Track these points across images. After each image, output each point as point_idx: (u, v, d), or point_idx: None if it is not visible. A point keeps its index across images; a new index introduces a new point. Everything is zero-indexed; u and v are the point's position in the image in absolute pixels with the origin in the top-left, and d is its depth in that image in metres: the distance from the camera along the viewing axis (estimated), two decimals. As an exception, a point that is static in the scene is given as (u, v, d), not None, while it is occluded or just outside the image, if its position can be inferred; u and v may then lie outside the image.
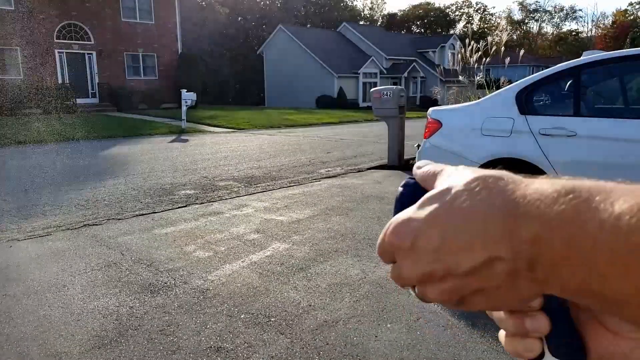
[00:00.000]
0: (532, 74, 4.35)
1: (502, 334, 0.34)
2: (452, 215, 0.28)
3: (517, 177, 0.29)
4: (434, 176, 0.33)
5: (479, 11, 67.38)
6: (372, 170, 7.56)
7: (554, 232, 0.25)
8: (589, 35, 63.43)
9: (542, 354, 0.31)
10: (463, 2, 66.13)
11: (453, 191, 0.29)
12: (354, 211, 4.92)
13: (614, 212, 0.23)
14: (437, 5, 63.83)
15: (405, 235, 0.30)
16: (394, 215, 0.35)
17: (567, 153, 3.41)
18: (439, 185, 0.31)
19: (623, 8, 69.47)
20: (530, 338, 0.31)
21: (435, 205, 0.29)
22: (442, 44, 37.36)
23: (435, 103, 25.80)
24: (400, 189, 0.36)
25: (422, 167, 0.35)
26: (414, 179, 0.36)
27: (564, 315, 0.31)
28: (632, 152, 3.18)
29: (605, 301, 0.25)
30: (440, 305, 0.31)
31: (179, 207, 5.13)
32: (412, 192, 0.34)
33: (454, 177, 0.31)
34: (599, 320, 0.30)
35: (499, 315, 0.33)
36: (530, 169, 3.58)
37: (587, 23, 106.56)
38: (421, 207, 0.30)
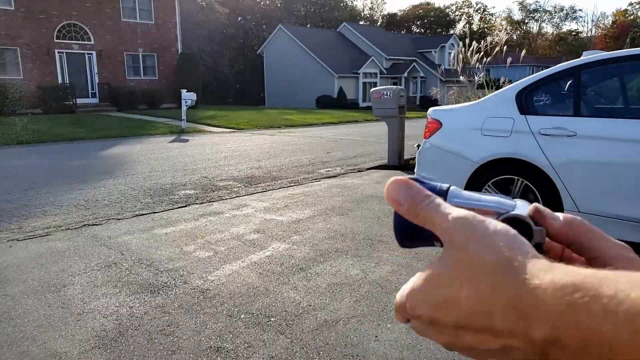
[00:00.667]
0: (532, 74, 4.36)
1: None
2: (464, 301, 0.28)
3: (530, 261, 0.28)
4: (429, 223, 0.32)
5: (479, 11, 67.41)
6: (372, 170, 7.56)
7: (566, 334, 0.25)
8: (589, 35, 63.44)
9: None
10: (463, 2, 66.16)
11: (464, 275, 0.29)
12: (354, 211, 4.92)
13: (630, 305, 0.23)
14: (437, 5, 63.86)
15: (422, 311, 0.31)
16: (394, 222, 0.35)
17: (567, 153, 3.41)
18: (446, 259, 0.30)
19: (623, 8, 69.47)
20: None
21: (446, 290, 0.29)
22: (442, 44, 37.38)
23: (435, 103, 25.80)
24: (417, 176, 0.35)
25: (405, 203, 0.33)
26: (413, 178, 0.35)
27: None
28: (632, 152, 3.18)
29: None
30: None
31: (179, 207, 5.14)
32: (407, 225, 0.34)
33: (462, 254, 0.30)
34: None
35: None
36: (530, 169, 3.58)
37: (587, 23, 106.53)
38: (433, 283, 0.30)
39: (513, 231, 0.30)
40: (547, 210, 0.34)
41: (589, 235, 0.33)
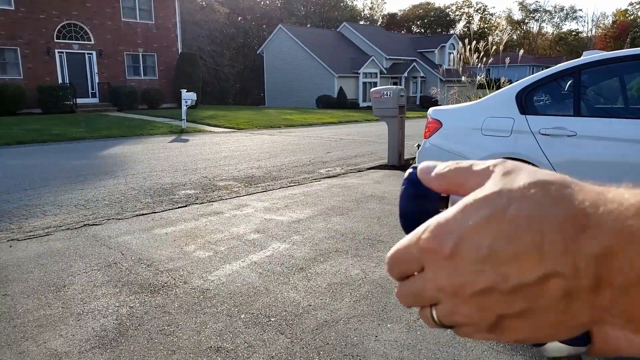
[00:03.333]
0: (532, 74, 4.35)
1: None
2: (505, 222, 0.24)
3: (587, 185, 0.25)
4: (462, 174, 0.29)
5: (479, 11, 67.41)
6: (372, 170, 7.56)
7: (633, 247, 0.22)
8: (589, 35, 63.44)
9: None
10: (463, 2, 66.17)
11: (506, 196, 0.25)
12: (354, 211, 4.92)
13: None
14: (437, 5, 63.90)
15: (446, 239, 0.26)
16: (400, 206, 0.33)
17: (568, 153, 3.40)
18: (485, 188, 0.27)
19: (623, 8, 69.48)
20: None
21: (485, 211, 0.25)
22: (442, 44, 37.38)
23: (435, 103, 25.82)
24: (410, 169, 0.34)
25: (434, 170, 0.30)
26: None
27: None
28: (632, 152, 3.18)
29: None
30: (460, 335, 0.28)
31: (179, 207, 5.13)
32: (417, 191, 0.33)
33: (505, 180, 0.26)
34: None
35: None
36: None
37: (587, 23, 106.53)
38: (465, 210, 0.26)
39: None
40: None
41: None
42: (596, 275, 0.23)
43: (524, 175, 0.26)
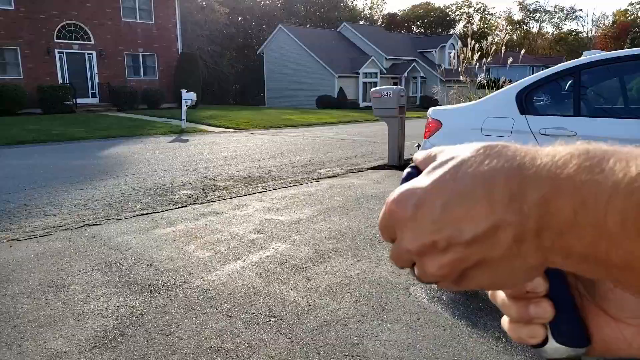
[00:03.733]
0: (532, 74, 4.36)
1: (505, 320, 0.33)
2: (455, 181, 0.27)
3: (526, 146, 0.28)
4: (434, 157, 0.32)
5: (479, 11, 67.41)
6: (372, 170, 7.56)
7: (564, 194, 0.24)
8: (589, 35, 63.45)
9: (546, 340, 0.31)
10: (463, 2, 66.17)
11: (457, 159, 0.28)
12: (354, 211, 4.92)
13: (629, 173, 0.23)
14: (437, 5, 63.88)
15: (407, 203, 0.29)
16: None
17: (567, 153, 3.40)
18: (443, 156, 0.30)
19: (623, 8, 69.48)
20: (534, 324, 0.31)
21: (438, 173, 0.28)
22: (442, 44, 37.37)
23: (435, 103, 25.81)
24: (408, 169, 0.35)
25: (423, 152, 0.34)
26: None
27: (567, 301, 0.31)
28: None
29: (610, 267, 0.24)
30: (440, 287, 0.30)
31: (179, 207, 5.13)
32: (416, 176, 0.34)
33: (458, 148, 0.30)
34: (601, 307, 0.31)
35: (502, 301, 0.32)
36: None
37: (587, 23, 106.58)
38: (424, 176, 0.29)
39: None
40: None
41: None
42: (538, 220, 0.25)
43: (475, 143, 0.29)
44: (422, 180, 0.29)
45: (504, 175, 0.26)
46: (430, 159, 0.32)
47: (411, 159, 0.35)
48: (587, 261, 0.25)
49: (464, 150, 0.29)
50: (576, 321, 0.31)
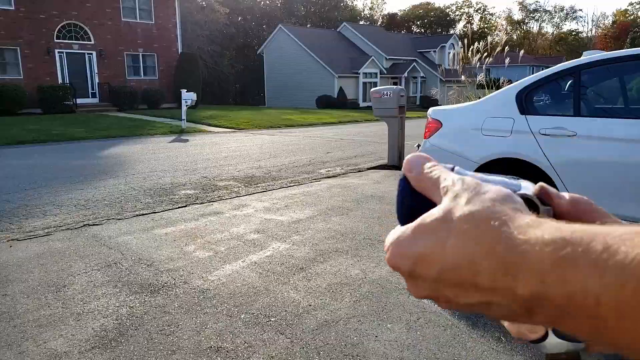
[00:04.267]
0: (532, 74, 4.36)
1: None
2: (446, 253, 0.28)
3: (518, 219, 0.27)
4: (433, 185, 0.32)
5: (479, 11, 67.41)
6: (372, 170, 7.56)
7: (553, 290, 0.24)
8: (589, 35, 63.45)
9: (546, 335, 0.31)
10: (463, 2, 66.17)
11: (447, 227, 0.28)
12: (354, 211, 4.92)
13: (617, 261, 0.22)
14: (437, 5, 63.88)
15: (403, 261, 0.30)
16: (397, 209, 0.35)
17: (568, 153, 3.40)
18: (435, 212, 0.30)
19: (623, 8, 69.48)
20: None
21: (431, 238, 0.29)
22: (442, 44, 37.37)
23: (435, 103, 25.79)
24: (399, 188, 0.35)
25: (415, 170, 0.33)
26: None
27: None
28: (632, 152, 3.18)
29: (617, 348, 0.24)
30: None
31: (179, 207, 5.13)
32: (412, 191, 0.33)
33: (451, 206, 0.29)
34: None
35: None
36: (531, 169, 3.58)
37: (587, 23, 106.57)
38: (418, 233, 0.30)
39: (507, 190, 0.30)
40: (553, 190, 0.33)
41: (594, 214, 0.32)
42: (527, 308, 0.26)
43: (463, 205, 0.29)
44: (414, 239, 0.30)
45: (488, 263, 0.26)
46: (428, 185, 0.32)
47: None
48: (591, 340, 0.25)
49: (453, 214, 0.29)
50: None
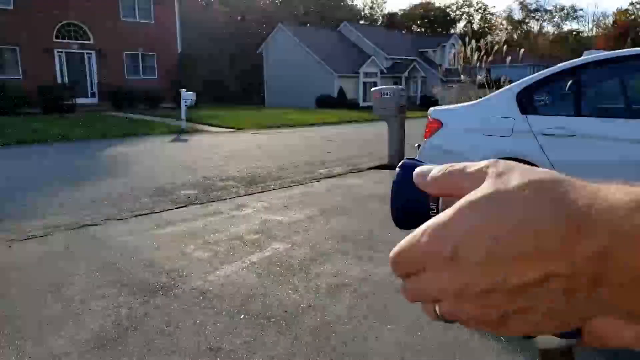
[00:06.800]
0: (533, 73, 4.35)
1: None
2: (501, 224, 0.25)
3: (580, 182, 0.25)
4: (459, 177, 0.29)
5: (480, 11, 67.38)
6: (372, 170, 7.56)
7: (628, 246, 0.22)
8: (589, 35, 63.44)
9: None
10: (463, 1, 66.13)
11: (502, 196, 0.25)
12: (354, 211, 4.92)
13: None
14: (437, 4, 63.84)
15: (446, 242, 0.26)
16: (391, 201, 0.34)
17: (568, 153, 3.40)
18: (480, 190, 0.27)
19: (624, 8, 69.47)
20: None
21: (481, 212, 0.26)
22: (443, 44, 37.35)
23: (435, 103, 25.76)
24: (398, 170, 0.34)
25: (435, 171, 0.30)
26: (411, 159, 0.35)
27: None
28: (632, 152, 3.18)
29: None
30: (472, 328, 0.29)
31: (179, 207, 5.13)
32: (411, 177, 0.33)
33: (501, 181, 0.26)
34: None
35: None
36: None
37: (588, 23, 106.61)
38: (462, 213, 0.26)
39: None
40: None
41: None
42: (593, 274, 0.23)
43: (517, 176, 0.26)
44: (462, 216, 0.26)
45: (555, 222, 0.24)
46: (455, 177, 0.29)
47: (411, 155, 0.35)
48: None
49: (509, 183, 0.26)
50: None
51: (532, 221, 0.24)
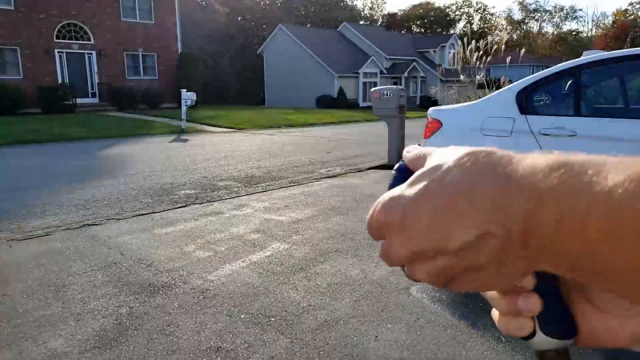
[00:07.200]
0: (532, 73, 4.36)
1: (495, 313, 0.34)
2: (441, 191, 0.28)
3: (510, 153, 0.28)
4: (423, 158, 0.32)
5: (479, 11, 67.39)
6: (372, 170, 7.56)
7: (546, 207, 0.24)
8: (589, 35, 63.45)
9: (534, 333, 0.32)
10: (463, 1, 66.13)
11: (444, 167, 0.28)
12: (354, 211, 4.92)
13: (606, 184, 0.23)
14: (437, 5, 63.84)
15: (394, 211, 0.29)
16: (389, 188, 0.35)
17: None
18: (430, 163, 0.30)
19: (623, 8, 69.47)
20: (523, 317, 0.32)
21: (424, 182, 0.29)
22: (443, 44, 37.35)
23: (435, 103, 25.81)
24: (394, 172, 0.35)
25: (412, 151, 0.34)
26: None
27: (554, 294, 0.32)
28: (632, 152, 3.18)
29: (596, 275, 0.25)
30: (431, 285, 0.31)
31: (179, 207, 5.13)
32: (405, 176, 0.33)
33: (444, 155, 0.30)
34: (588, 299, 0.32)
35: (492, 295, 0.33)
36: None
37: (588, 23, 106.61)
38: (411, 184, 0.30)
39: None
40: None
41: None
42: (522, 232, 0.25)
43: (461, 149, 0.29)
44: (410, 189, 0.29)
45: (487, 187, 0.26)
46: (420, 159, 0.32)
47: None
48: (574, 269, 0.25)
49: (450, 156, 0.29)
50: (563, 313, 0.32)
51: (467, 187, 0.27)
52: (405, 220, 0.29)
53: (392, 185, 0.34)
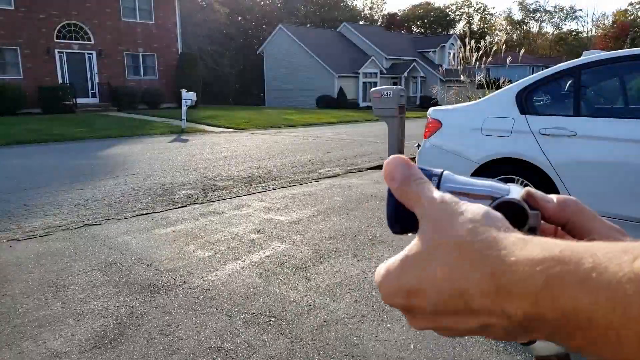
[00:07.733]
0: (532, 74, 4.36)
1: None
2: (440, 281, 0.28)
3: (508, 241, 0.27)
4: (414, 202, 0.31)
5: (479, 11, 67.39)
6: (372, 170, 7.57)
7: (546, 310, 0.24)
8: (589, 35, 63.44)
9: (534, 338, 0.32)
10: (463, 2, 66.14)
11: (438, 253, 0.28)
12: (354, 211, 4.92)
13: (606, 283, 0.23)
14: (437, 5, 63.87)
15: (397, 298, 0.30)
16: (387, 209, 0.34)
17: (568, 153, 3.41)
18: (418, 243, 0.29)
19: (623, 8, 69.50)
20: None
21: (420, 269, 0.29)
22: (442, 44, 37.37)
23: (435, 103, 25.77)
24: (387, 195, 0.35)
25: (396, 180, 0.32)
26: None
27: None
28: (632, 152, 3.18)
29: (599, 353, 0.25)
30: None
31: (179, 207, 5.13)
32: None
33: (433, 236, 0.29)
34: None
35: None
36: (531, 169, 3.58)
37: (587, 23, 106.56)
38: (405, 266, 0.29)
39: (486, 208, 0.29)
40: (539, 193, 0.34)
41: (582, 215, 0.33)
42: (525, 328, 0.26)
43: (444, 232, 0.28)
44: (402, 272, 0.29)
45: (485, 287, 0.26)
46: (408, 200, 0.31)
47: (412, 159, 0.35)
48: (582, 351, 0.25)
49: (437, 245, 0.28)
50: None
51: (461, 284, 0.27)
52: (409, 306, 0.30)
53: (390, 191, 0.34)
